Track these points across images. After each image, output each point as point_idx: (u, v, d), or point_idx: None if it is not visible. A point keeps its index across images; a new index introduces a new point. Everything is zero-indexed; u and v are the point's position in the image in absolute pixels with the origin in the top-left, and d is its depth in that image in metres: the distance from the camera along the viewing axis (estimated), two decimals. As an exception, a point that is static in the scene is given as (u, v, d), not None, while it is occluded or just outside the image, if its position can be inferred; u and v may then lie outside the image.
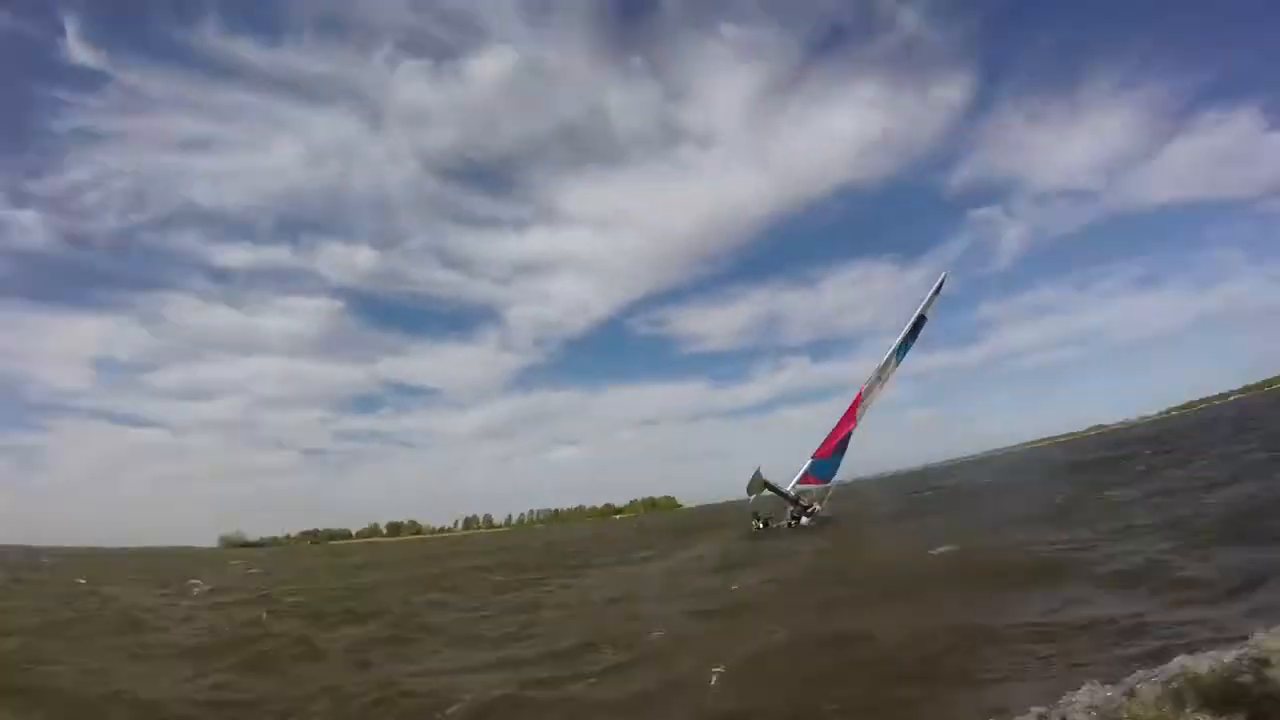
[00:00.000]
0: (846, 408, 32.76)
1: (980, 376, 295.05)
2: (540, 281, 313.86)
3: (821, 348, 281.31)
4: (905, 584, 12.80)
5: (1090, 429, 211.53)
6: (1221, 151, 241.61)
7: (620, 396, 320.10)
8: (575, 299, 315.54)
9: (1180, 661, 4.95)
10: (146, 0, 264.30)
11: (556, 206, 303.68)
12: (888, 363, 33.13)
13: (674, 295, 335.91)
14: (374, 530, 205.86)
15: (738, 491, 32.25)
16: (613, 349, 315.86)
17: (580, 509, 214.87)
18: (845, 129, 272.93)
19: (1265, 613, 6.56)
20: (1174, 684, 4.77)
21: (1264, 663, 4.64)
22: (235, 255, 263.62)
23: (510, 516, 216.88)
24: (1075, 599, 9.41)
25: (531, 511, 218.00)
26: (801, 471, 31.71)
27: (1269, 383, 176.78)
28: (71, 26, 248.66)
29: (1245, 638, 5.06)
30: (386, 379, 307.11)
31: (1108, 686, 5.03)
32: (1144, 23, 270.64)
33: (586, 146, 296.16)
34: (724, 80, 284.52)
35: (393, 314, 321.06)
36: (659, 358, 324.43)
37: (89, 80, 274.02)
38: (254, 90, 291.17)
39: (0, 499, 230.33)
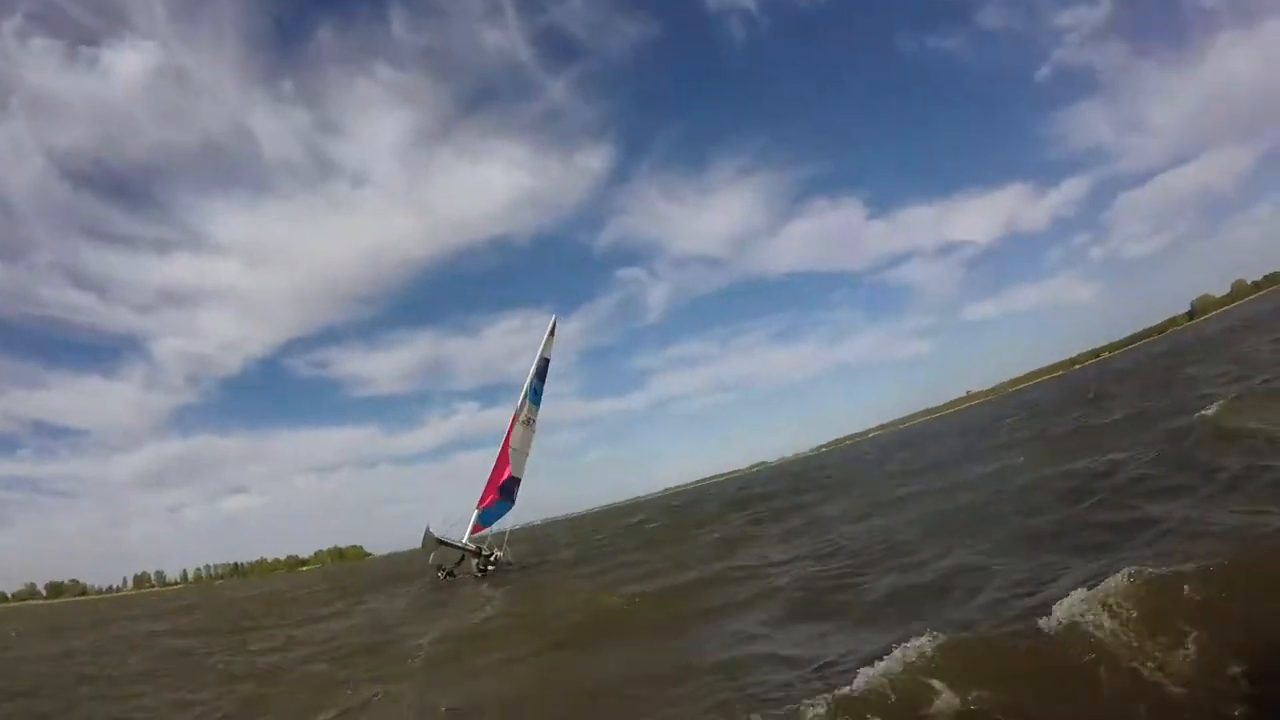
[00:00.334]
0: (498, 454, 33.12)
1: (649, 420, 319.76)
2: (187, 312, 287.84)
3: (490, 393, 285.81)
4: (583, 631, 12.89)
5: (753, 465, 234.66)
6: (832, 233, 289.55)
7: (290, 442, 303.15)
8: (227, 334, 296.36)
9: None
10: None
11: (203, 231, 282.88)
12: (522, 404, 33.75)
13: (333, 336, 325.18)
14: (31, 592, 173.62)
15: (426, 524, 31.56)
16: (275, 391, 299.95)
17: (263, 561, 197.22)
18: (495, 183, 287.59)
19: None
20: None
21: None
22: None
23: (186, 572, 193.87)
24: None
25: (209, 566, 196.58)
26: (471, 522, 31.63)
27: (899, 421, 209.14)
28: None
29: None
30: (22, 415, 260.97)
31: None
32: (762, 121, 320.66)
33: (233, 168, 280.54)
34: (378, 119, 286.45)
35: (24, 339, 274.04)
36: (326, 401, 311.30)
37: None
38: None
39: None
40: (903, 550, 12.82)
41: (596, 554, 31.57)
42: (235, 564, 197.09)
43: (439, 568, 29.76)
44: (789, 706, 6.02)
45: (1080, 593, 6.73)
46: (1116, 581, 6.68)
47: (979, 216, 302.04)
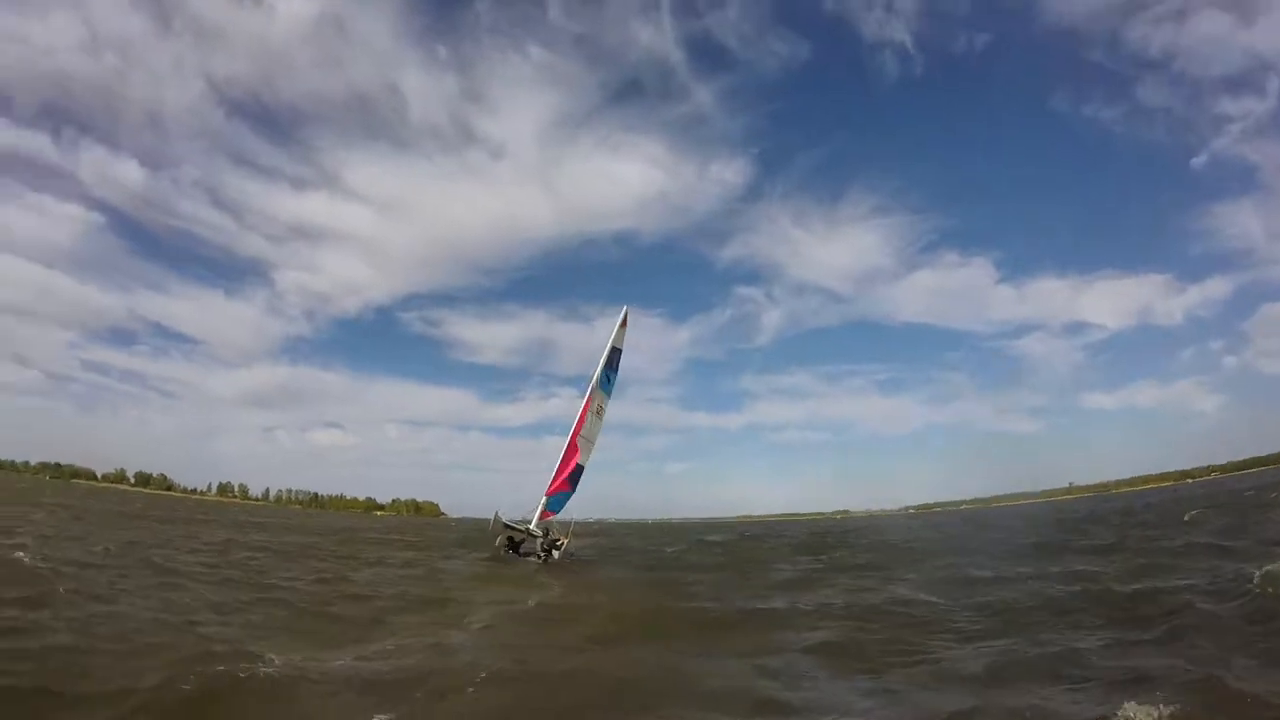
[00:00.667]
0: (568, 441, 33.25)
1: (739, 443, 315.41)
2: (314, 250, 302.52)
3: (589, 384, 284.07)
4: (626, 637, 12.90)
5: (836, 511, 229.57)
6: (958, 289, 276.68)
7: (390, 390, 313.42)
8: (349, 277, 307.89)
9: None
10: None
11: (340, 176, 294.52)
12: (593, 393, 33.86)
13: (449, 298, 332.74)
14: (120, 476, 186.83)
15: (497, 508, 32.38)
16: (385, 339, 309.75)
17: (342, 498, 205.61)
18: (629, 178, 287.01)
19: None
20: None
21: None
22: None
23: (269, 491, 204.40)
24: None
25: (291, 490, 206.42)
26: (539, 507, 32.03)
27: (995, 499, 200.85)
28: None
29: None
30: (145, 315, 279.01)
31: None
32: (902, 161, 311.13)
33: (378, 122, 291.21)
34: (524, 97, 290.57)
35: (158, 246, 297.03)
36: (431, 359, 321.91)
37: None
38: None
39: None
40: (965, 632, 12.31)
41: (664, 564, 31.48)
42: (315, 494, 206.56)
43: (506, 544, 30.50)
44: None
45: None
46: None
47: (1112, 300, 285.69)
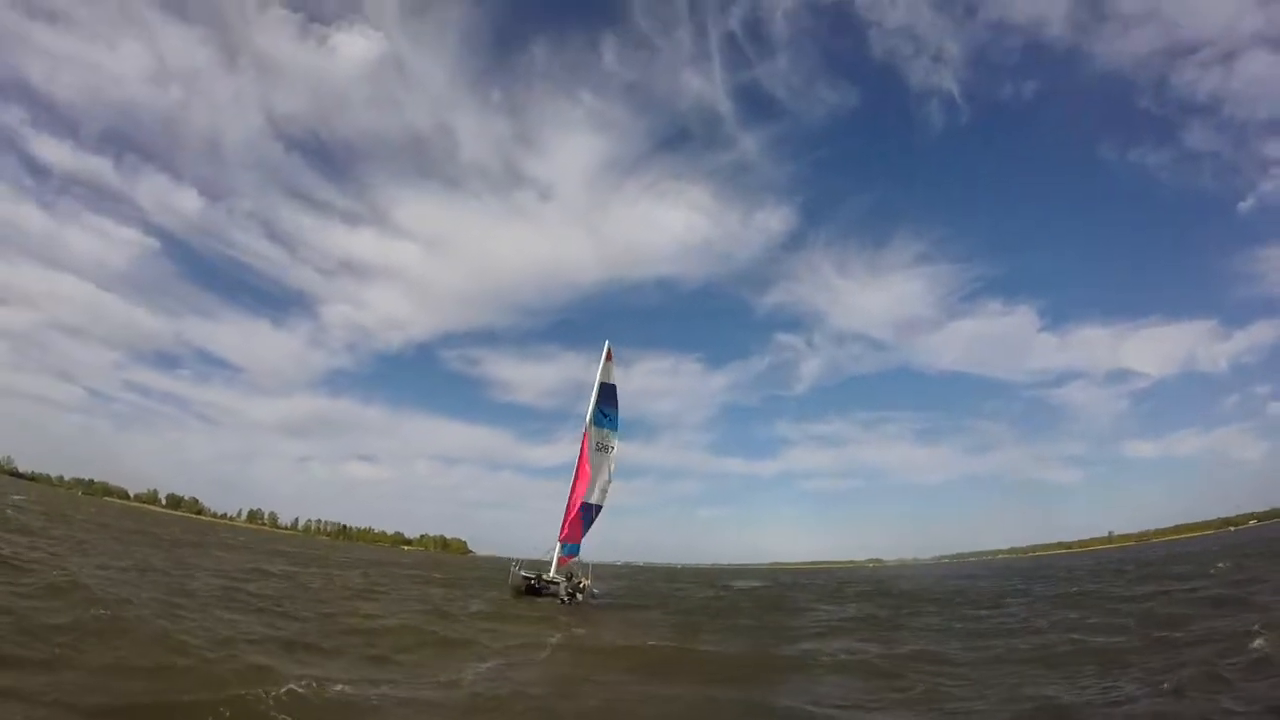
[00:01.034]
0: (572, 485, 33.35)
1: (772, 490, 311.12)
2: (362, 285, 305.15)
3: (625, 427, 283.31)
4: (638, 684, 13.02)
5: (869, 560, 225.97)
6: (1000, 338, 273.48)
7: (425, 426, 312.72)
8: (393, 313, 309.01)
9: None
10: None
11: (390, 213, 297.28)
12: (588, 430, 33.89)
13: (490, 337, 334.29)
14: (152, 497, 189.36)
15: (524, 549, 32.95)
16: (424, 375, 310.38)
17: (370, 531, 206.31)
18: (673, 224, 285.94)
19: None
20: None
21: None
22: (55, 152, 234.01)
23: (298, 521, 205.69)
24: None
25: (320, 521, 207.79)
26: (555, 555, 32.43)
27: (1031, 549, 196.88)
28: None
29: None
30: (190, 340, 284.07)
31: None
32: (947, 210, 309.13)
33: (430, 161, 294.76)
34: (574, 142, 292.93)
35: (210, 273, 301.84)
36: (468, 397, 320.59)
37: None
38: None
39: None
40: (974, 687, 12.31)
41: (687, 610, 31.34)
42: (344, 526, 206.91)
43: (527, 579, 31.08)
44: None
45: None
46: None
47: (1155, 346, 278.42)
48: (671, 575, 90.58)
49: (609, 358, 35.94)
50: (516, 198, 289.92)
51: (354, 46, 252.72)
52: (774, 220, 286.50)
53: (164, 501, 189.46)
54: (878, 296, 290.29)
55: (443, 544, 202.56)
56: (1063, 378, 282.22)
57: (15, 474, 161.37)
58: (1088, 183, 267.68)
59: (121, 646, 10.75)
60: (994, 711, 10.23)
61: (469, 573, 60.93)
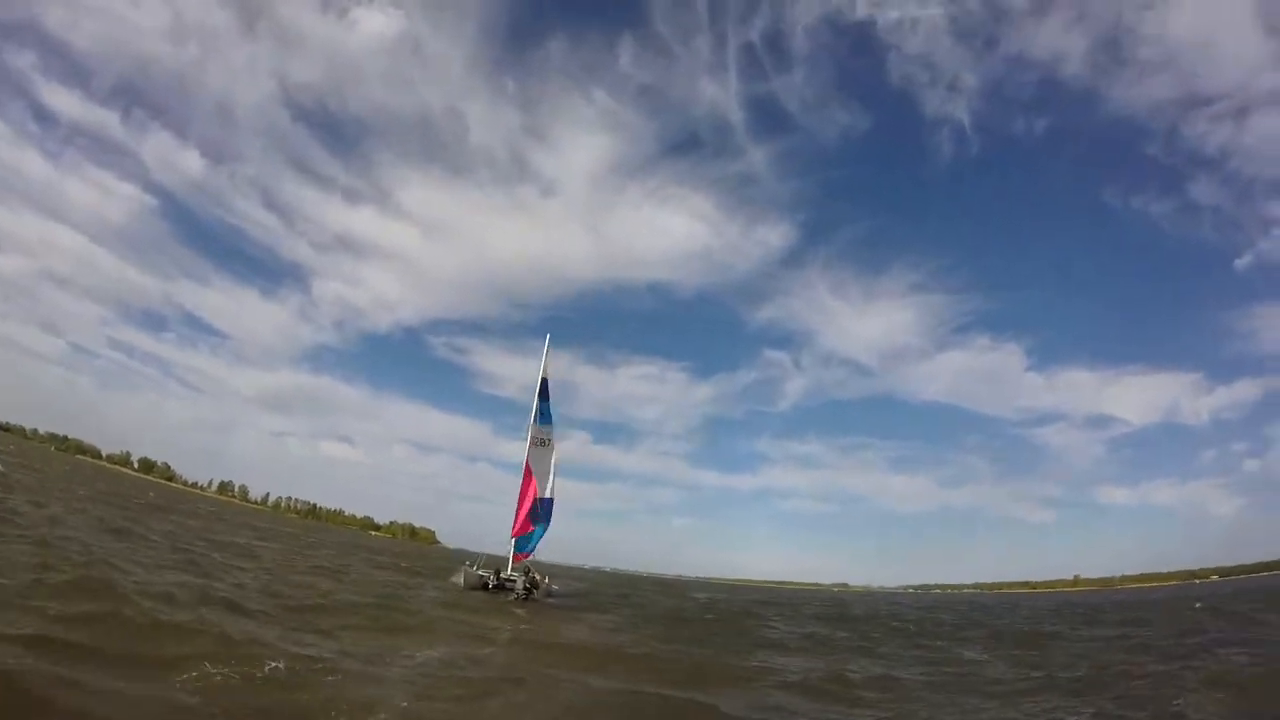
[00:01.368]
0: (521, 482, 33.57)
1: (748, 506, 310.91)
2: (356, 263, 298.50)
3: (606, 430, 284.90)
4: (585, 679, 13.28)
5: (835, 584, 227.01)
6: (986, 373, 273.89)
7: (405, 411, 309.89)
8: (385, 294, 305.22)
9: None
10: None
11: (392, 193, 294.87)
12: (530, 427, 34.23)
13: (479, 327, 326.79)
14: (124, 459, 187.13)
15: (494, 544, 33.72)
16: (410, 360, 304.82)
17: (340, 513, 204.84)
18: (674, 230, 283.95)
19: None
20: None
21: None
22: (64, 101, 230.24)
23: (268, 496, 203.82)
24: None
25: (292, 498, 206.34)
26: (510, 552, 32.88)
27: (997, 585, 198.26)
28: None
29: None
30: (179, 302, 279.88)
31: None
32: (947, 241, 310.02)
33: (437, 145, 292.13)
34: (583, 140, 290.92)
35: (205, 236, 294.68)
36: (452, 385, 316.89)
37: None
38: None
39: None
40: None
41: (646, 617, 31.57)
42: (314, 506, 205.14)
43: (495, 572, 31.62)
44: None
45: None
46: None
47: (1139, 395, 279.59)
48: (637, 582, 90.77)
49: (547, 352, 36.48)
50: (520, 190, 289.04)
51: (373, 22, 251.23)
52: (774, 235, 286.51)
53: (136, 465, 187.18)
54: (869, 322, 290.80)
55: (411, 532, 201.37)
56: (1044, 418, 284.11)
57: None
58: (1088, 225, 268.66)
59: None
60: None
61: (434, 563, 61.13)
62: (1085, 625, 33.00)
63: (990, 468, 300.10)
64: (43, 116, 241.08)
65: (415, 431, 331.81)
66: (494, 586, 30.90)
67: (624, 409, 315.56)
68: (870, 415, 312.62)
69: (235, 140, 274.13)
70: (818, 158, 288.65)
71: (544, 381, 35.53)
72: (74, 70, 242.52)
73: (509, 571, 31.88)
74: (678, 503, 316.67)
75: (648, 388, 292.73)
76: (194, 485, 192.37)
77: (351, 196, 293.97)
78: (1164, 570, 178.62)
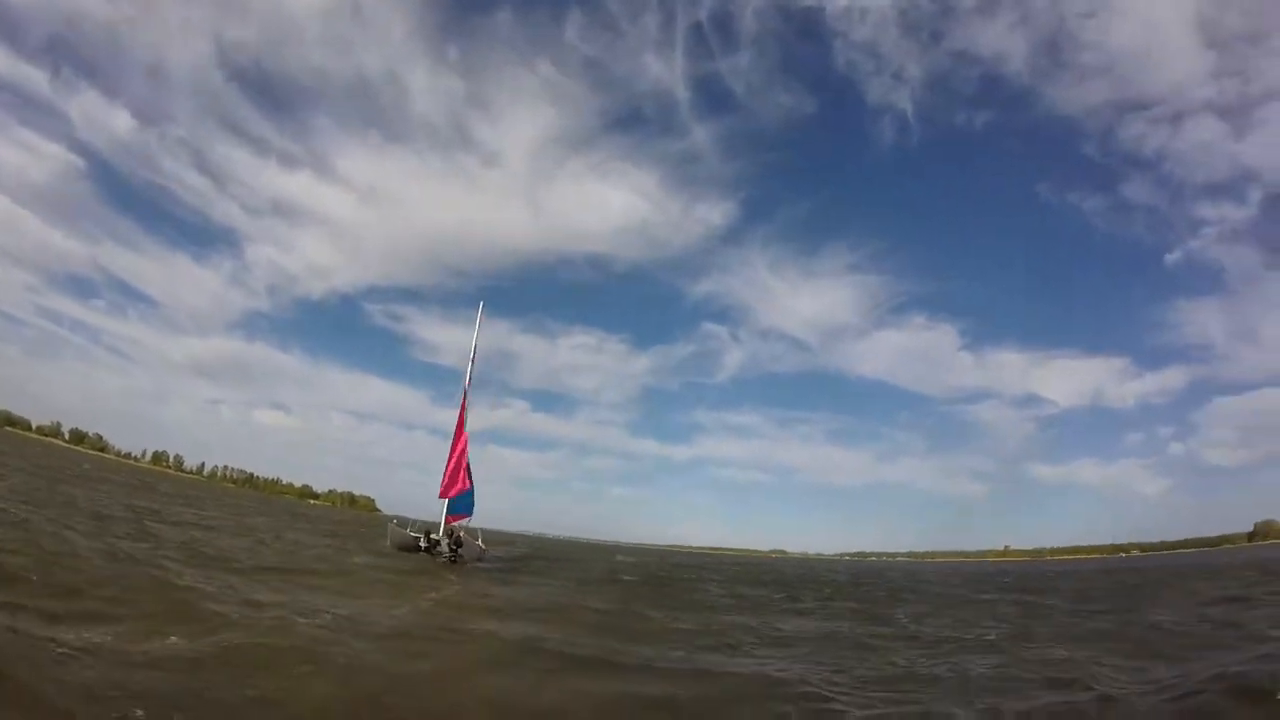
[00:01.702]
0: (457, 443, 33.74)
1: (684, 475, 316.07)
2: (290, 228, 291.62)
3: (545, 399, 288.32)
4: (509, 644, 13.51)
5: (772, 551, 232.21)
6: (920, 352, 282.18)
7: (342, 379, 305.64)
8: (320, 261, 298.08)
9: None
10: None
11: (328, 158, 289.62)
12: (466, 388, 34.78)
13: (416, 295, 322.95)
14: (55, 430, 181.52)
15: (433, 512, 33.66)
16: (345, 328, 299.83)
17: (277, 481, 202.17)
18: (614, 204, 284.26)
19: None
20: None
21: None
22: None
23: (204, 465, 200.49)
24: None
25: (227, 467, 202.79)
26: (444, 514, 32.97)
27: (931, 554, 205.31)
28: None
29: None
30: (108, 268, 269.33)
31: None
32: (884, 225, 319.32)
33: (376, 111, 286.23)
34: (525, 111, 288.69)
35: (133, 200, 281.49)
36: (388, 354, 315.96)
37: None
38: None
39: None
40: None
41: (579, 578, 32.08)
42: (251, 475, 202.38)
43: (426, 534, 31.90)
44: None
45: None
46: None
47: (1068, 378, 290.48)
48: (573, 548, 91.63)
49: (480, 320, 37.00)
50: (460, 159, 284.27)
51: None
52: (715, 213, 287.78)
53: (67, 436, 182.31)
54: (806, 300, 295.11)
55: (350, 500, 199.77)
56: (976, 396, 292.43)
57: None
58: (1023, 217, 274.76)
59: None
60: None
61: (370, 530, 60.88)
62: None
63: (924, 442, 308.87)
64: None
65: (352, 400, 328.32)
66: (424, 548, 31.05)
67: (563, 378, 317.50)
68: (807, 390, 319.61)
69: (167, 101, 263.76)
70: (761, 139, 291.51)
71: (475, 348, 35.88)
72: (3, 25, 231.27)
73: (440, 533, 31.91)
74: (616, 471, 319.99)
75: (586, 357, 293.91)
76: (127, 456, 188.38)
77: (287, 161, 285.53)
78: (1090, 544, 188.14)
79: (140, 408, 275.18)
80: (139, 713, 6.29)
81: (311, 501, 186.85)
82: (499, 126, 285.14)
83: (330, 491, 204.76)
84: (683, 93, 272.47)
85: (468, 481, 32.78)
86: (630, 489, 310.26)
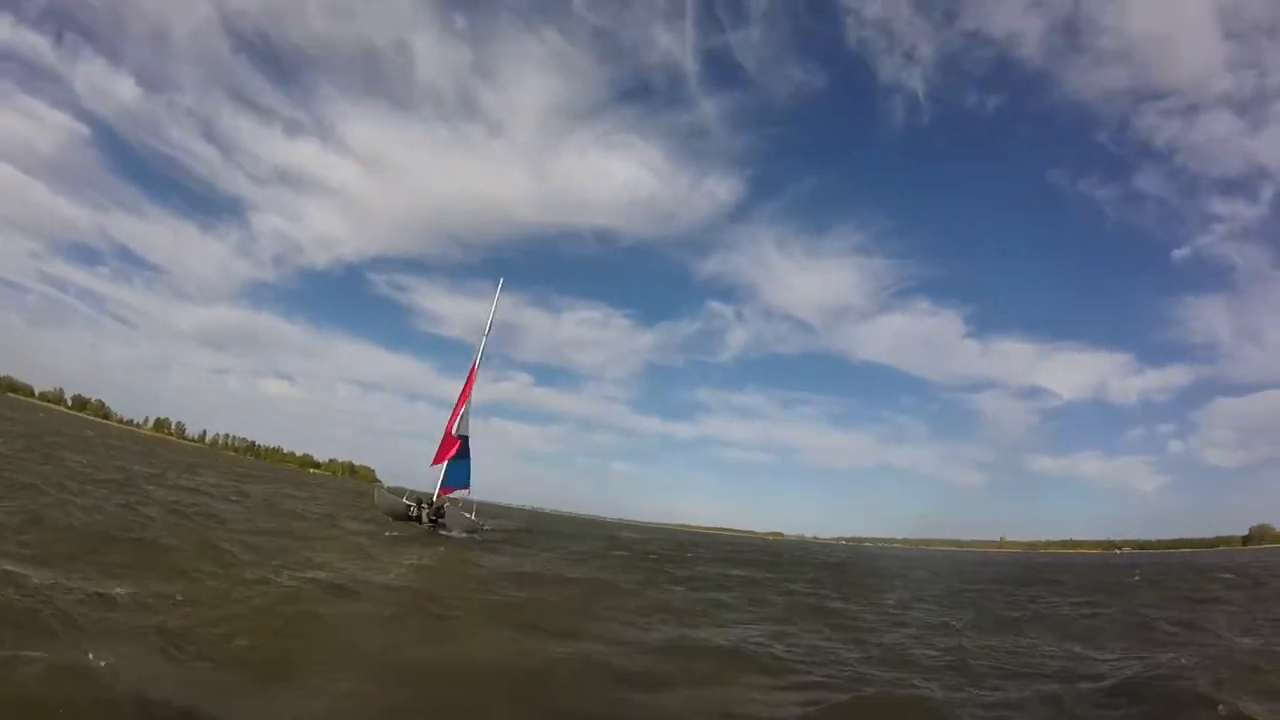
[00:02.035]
0: (459, 412, 34.06)
1: (687, 453, 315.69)
2: (296, 197, 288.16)
3: (548, 373, 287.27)
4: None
5: (769, 533, 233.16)
6: (925, 338, 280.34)
7: (346, 349, 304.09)
8: (326, 230, 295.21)
9: None
10: None
11: (334, 126, 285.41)
12: (476, 361, 35.17)
13: (421, 266, 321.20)
14: (58, 397, 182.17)
15: (432, 482, 33.91)
16: (350, 297, 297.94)
17: (279, 450, 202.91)
18: (621, 178, 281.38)
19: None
20: None
21: None
22: None
23: (205, 433, 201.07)
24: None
25: (229, 435, 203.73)
26: (439, 483, 33.31)
27: (927, 541, 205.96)
28: None
29: None
30: (114, 236, 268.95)
31: None
32: (892, 206, 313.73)
33: (382, 79, 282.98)
34: (533, 81, 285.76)
35: (140, 168, 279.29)
36: (393, 324, 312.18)
37: None
38: None
39: None
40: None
41: (574, 552, 31.67)
42: (253, 443, 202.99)
43: (417, 503, 32.10)
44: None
45: None
46: None
47: (1071, 371, 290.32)
48: (572, 523, 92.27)
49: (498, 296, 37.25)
50: (467, 129, 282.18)
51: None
52: (722, 189, 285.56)
53: (69, 402, 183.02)
54: (812, 280, 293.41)
55: (350, 469, 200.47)
56: (979, 385, 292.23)
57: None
58: (1033, 203, 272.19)
59: None
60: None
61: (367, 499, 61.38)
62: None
63: (925, 429, 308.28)
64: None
65: (357, 370, 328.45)
66: (413, 517, 31.35)
67: (566, 353, 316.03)
68: (810, 371, 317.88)
69: (172, 68, 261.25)
70: (770, 114, 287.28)
71: (491, 323, 36.15)
72: None
73: (434, 502, 32.17)
74: (618, 447, 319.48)
75: (591, 332, 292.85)
76: (129, 423, 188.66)
77: (292, 129, 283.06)
78: (1085, 538, 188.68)
79: (144, 375, 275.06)
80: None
81: (312, 470, 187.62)
82: (505, 96, 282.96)
83: (331, 461, 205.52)
84: (691, 65, 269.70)
85: (454, 446, 33.01)
86: (632, 465, 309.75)
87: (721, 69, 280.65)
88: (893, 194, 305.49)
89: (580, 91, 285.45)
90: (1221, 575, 34.78)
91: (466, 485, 33.71)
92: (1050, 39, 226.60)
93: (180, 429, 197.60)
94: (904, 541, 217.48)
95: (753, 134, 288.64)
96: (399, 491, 35.23)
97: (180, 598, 9.33)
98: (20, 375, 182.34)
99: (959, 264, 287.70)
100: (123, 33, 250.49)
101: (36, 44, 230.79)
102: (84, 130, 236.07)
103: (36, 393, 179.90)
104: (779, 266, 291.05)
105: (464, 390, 34.05)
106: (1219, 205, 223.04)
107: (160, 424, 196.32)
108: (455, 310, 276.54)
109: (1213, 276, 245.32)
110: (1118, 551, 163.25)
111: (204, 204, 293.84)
